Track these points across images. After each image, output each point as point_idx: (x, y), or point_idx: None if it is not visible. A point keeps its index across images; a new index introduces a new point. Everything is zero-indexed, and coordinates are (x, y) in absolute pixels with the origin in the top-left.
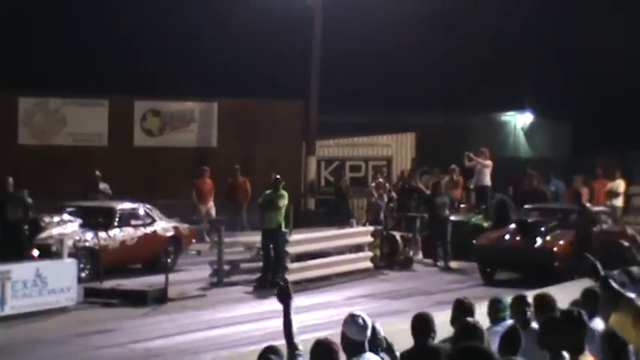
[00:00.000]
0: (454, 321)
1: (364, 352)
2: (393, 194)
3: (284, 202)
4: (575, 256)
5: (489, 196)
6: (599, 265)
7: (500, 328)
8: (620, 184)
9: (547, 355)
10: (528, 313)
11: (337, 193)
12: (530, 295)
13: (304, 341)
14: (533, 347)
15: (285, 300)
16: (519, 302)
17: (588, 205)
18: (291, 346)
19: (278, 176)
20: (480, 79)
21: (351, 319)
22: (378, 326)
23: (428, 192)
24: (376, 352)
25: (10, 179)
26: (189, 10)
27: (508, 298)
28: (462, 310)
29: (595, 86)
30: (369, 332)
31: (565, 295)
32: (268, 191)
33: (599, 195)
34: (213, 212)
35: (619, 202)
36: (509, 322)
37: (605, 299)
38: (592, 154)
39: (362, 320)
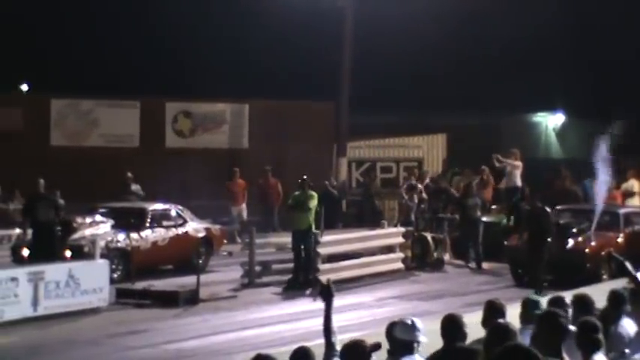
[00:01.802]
0: (485, 322)
1: (411, 352)
2: (424, 195)
3: (314, 203)
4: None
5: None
6: (628, 265)
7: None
8: (634, 184)
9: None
10: (569, 314)
11: (366, 194)
12: (567, 296)
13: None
14: (569, 349)
15: (328, 298)
16: (557, 303)
17: (548, 208)
18: (329, 345)
19: (305, 177)
20: (511, 79)
21: (400, 320)
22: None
23: (456, 193)
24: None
25: (42, 181)
26: (221, 12)
27: (542, 298)
28: (493, 312)
29: (627, 86)
30: (418, 334)
31: (598, 295)
32: (297, 192)
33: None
34: (244, 214)
35: (635, 201)
36: None
37: (635, 300)
38: (624, 155)
39: (410, 321)
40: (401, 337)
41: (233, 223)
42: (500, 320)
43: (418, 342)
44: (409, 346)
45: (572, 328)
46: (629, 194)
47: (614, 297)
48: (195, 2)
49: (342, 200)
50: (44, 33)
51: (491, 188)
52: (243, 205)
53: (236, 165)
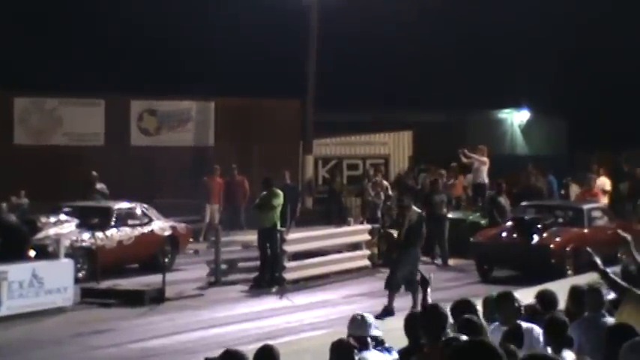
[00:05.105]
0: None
1: (367, 348)
2: (390, 192)
3: (278, 201)
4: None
5: (486, 194)
6: (597, 260)
7: (494, 327)
8: (605, 182)
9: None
10: (521, 310)
11: (330, 192)
12: (532, 292)
13: (302, 339)
14: (535, 345)
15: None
16: (508, 299)
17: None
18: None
19: (268, 176)
20: (476, 76)
21: (352, 318)
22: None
23: (418, 187)
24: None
25: (4, 205)
26: (185, 10)
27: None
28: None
29: (591, 83)
30: (371, 329)
31: (562, 292)
32: (265, 192)
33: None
34: (216, 215)
35: (604, 199)
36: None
37: (592, 297)
38: (588, 151)
39: (361, 317)
40: (352, 334)
41: (203, 221)
42: (467, 316)
43: (370, 337)
44: (363, 342)
45: (525, 324)
46: (601, 192)
47: (575, 293)
48: (161, 0)
49: (297, 198)
50: (6, 31)
51: (461, 185)
52: (217, 206)
53: (201, 163)
